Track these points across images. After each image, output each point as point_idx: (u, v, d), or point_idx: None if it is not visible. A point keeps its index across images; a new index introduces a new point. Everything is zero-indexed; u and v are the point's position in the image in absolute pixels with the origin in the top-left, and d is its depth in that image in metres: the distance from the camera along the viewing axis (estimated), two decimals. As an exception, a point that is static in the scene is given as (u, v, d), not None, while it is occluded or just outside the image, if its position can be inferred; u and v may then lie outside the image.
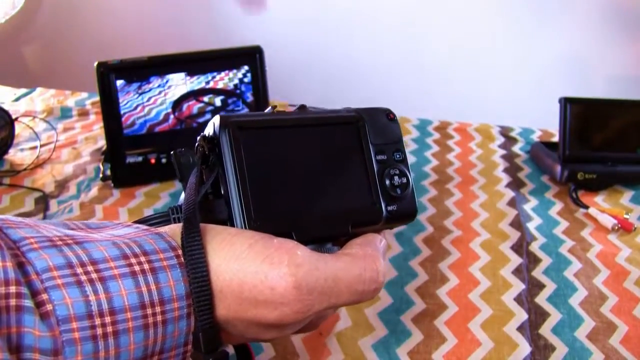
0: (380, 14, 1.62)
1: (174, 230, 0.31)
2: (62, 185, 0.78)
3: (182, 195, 0.35)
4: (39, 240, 0.27)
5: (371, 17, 1.63)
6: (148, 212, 0.72)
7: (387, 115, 0.39)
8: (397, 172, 0.37)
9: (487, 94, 1.57)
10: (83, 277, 0.26)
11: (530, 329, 0.54)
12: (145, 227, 0.31)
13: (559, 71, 1.56)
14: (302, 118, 0.36)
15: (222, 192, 0.33)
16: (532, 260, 0.64)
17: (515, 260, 0.64)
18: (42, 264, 0.26)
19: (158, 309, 0.28)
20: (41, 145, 0.87)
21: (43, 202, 0.74)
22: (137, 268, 0.28)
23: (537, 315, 0.56)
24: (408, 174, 0.38)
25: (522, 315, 0.56)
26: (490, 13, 1.59)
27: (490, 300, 0.58)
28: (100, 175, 0.79)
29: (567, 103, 0.79)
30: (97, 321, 0.26)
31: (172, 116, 0.78)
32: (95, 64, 0.74)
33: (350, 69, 1.66)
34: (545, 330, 0.54)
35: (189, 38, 1.65)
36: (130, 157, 0.77)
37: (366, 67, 1.66)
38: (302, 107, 0.37)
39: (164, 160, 0.78)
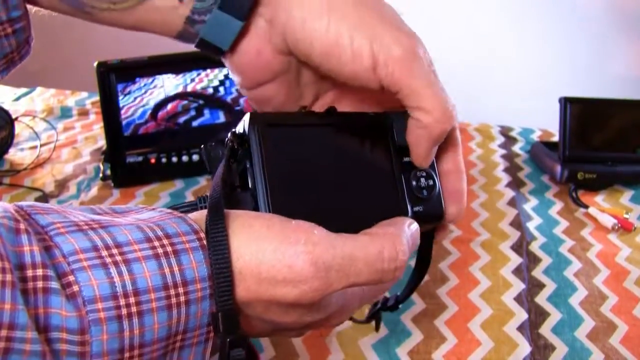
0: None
1: (197, 216, 0.32)
2: (62, 185, 0.78)
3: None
4: (66, 225, 0.28)
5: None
6: (148, 211, 0.72)
7: None
8: (424, 174, 0.38)
9: (487, 94, 1.57)
10: (108, 260, 0.27)
11: (530, 328, 0.54)
12: (169, 210, 0.32)
13: (559, 71, 1.56)
14: (331, 117, 0.37)
15: (250, 185, 0.34)
16: (532, 260, 0.64)
17: (515, 260, 0.64)
18: (68, 247, 0.27)
19: (181, 290, 0.28)
20: (41, 145, 0.87)
21: (43, 202, 0.74)
22: (160, 250, 0.28)
23: (537, 315, 0.56)
24: (435, 176, 0.38)
25: (522, 315, 0.56)
26: (490, 13, 1.59)
27: (490, 300, 0.58)
28: (100, 175, 0.79)
29: (567, 103, 0.79)
30: (122, 302, 0.27)
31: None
32: (95, 64, 0.74)
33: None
34: (545, 330, 0.54)
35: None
36: (130, 157, 0.77)
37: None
38: (331, 108, 0.38)
39: (164, 160, 0.78)
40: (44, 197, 0.74)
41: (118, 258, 0.27)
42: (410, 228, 0.35)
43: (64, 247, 0.27)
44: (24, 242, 0.26)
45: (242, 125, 0.35)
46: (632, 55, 1.53)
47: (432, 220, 0.39)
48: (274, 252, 0.30)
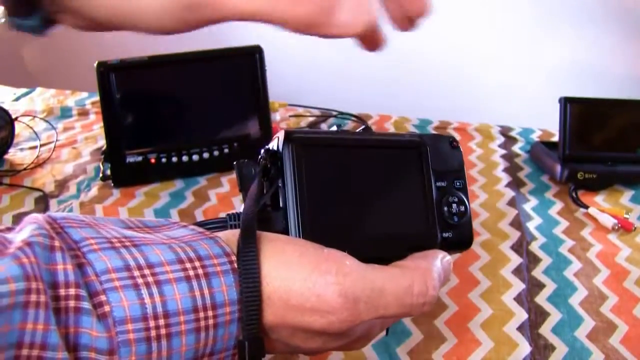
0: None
1: (228, 236, 0.32)
2: (62, 185, 0.78)
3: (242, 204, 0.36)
4: (99, 242, 0.28)
5: (371, 17, 1.63)
6: (148, 212, 0.72)
7: (450, 143, 0.40)
8: (456, 200, 0.38)
9: (487, 94, 1.57)
10: (140, 280, 0.27)
11: (530, 328, 0.54)
12: (200, 229, 0.32)
13: (559, 71, 1.56)
14: (365, 139, 0.37)
15: (281, 204, 0.34)
16: (532, 260, 0.64)
17: (515, 260, 0.64)
18: (101, 265, 0.27)
19: (210, 313, 0.28)
20: (41, 145, 0.87)
21: (43, 202, 0.74)
22: (191, 273, 0.28)
23: (537, 315, 0.56)
24: (467, 202, 0.38)
25: (522, 315, 0.56)
26: (490, 13, 1.59)
27: (490, 300, 0.58)
28: (100, 175, 0.79)
29: (567, 103, 0.79)
30: (152, 323, 0.27)
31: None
32: (95, 63, 0.74)
33: (350, 69, 1.67)
34: (545, 330, 0.54)
35: (189, 37, 1.65)
36: (130, 157, 0.77)
37: (366, 67, 1.66)
38: (367, 129, 0.38)
39: (164, 160, 0.78)
40: (44, 197, 0.74)
41: (150, 279, 0.27)
42: (443, 262, 0.34)
43: (96, 265, 0.27)
44: (58, 260, 0.26)
45: (276, 143, 0.35)
46: (632, 55, 1.53)
47: (460, 247, 0.39)
48: (305, 281, 0.30)
